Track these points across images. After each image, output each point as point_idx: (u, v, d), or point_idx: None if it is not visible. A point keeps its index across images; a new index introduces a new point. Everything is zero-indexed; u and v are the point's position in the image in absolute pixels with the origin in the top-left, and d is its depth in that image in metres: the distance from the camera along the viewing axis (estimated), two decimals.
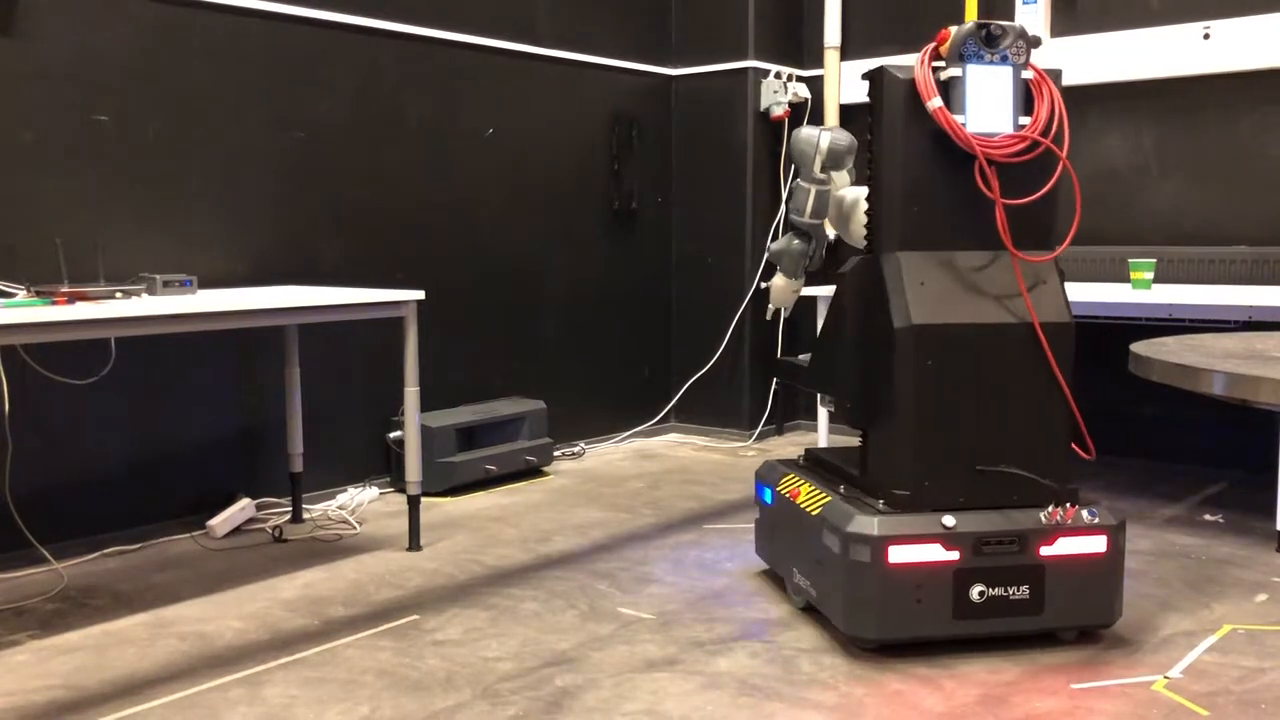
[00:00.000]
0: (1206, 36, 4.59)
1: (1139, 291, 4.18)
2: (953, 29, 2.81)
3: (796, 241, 3.34)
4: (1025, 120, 2.85)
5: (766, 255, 3.30)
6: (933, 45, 2.85)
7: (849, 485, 3.01)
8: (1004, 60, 2.85)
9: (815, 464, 3.31)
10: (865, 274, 2.93)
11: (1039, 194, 2.85)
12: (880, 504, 2.83)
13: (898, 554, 2.72)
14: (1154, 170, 4.83)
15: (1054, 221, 2.94)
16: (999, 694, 2.59)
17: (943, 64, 2.83)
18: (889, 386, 2.82)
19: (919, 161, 2.84)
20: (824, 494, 2.98)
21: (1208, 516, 4.12)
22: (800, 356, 3.40)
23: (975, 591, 2.77)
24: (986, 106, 2.83)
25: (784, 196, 5.67)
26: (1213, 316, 3.82)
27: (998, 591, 2.79)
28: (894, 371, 2.79)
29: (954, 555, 2.75)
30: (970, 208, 2.87)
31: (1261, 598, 3.24)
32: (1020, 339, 2.83)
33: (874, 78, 2.90)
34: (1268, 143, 4.56)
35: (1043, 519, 2.81)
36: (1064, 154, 2.85)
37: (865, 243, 2.99)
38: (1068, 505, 2.85)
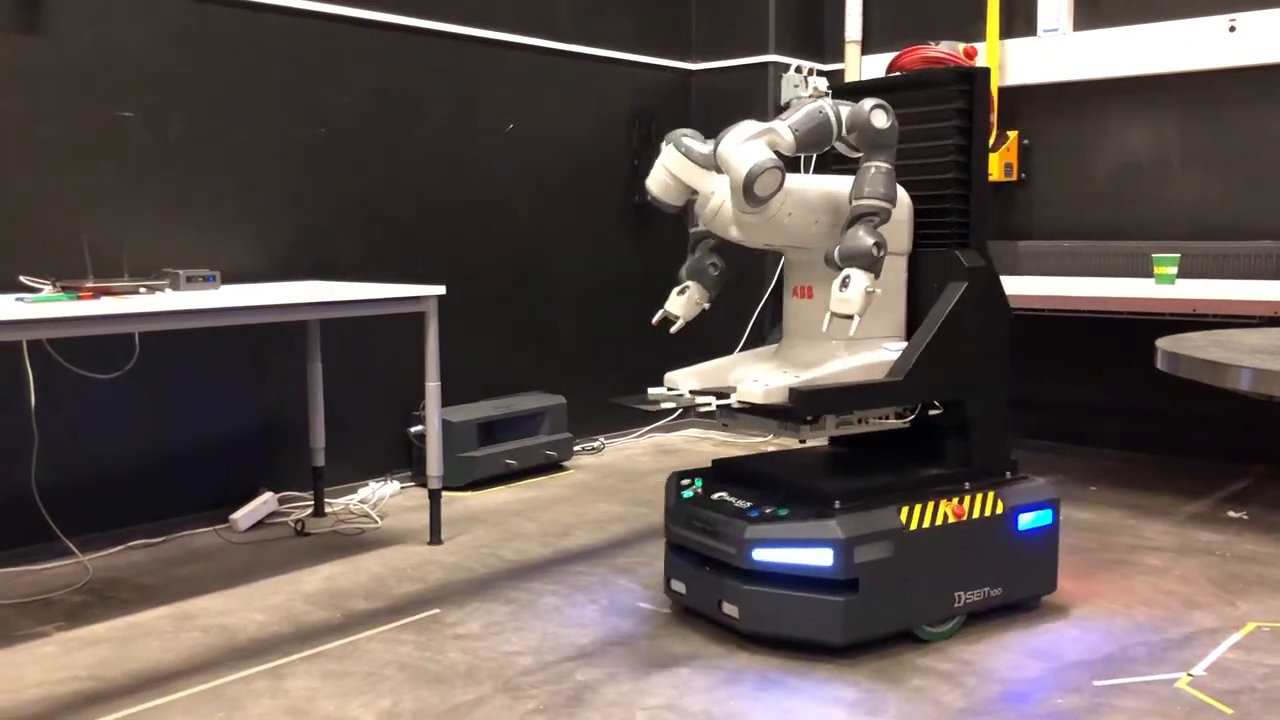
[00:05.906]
0: (1232, 29, 4.55)
1: (1163, 286, 4.15)
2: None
3: (878, 234, 2.74)
4: None
5: (873, 250, 2.69)
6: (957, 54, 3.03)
7: (951, 481, 2.93)
8: None
9: (855, 492, 2.92)
10: (981, 266, 2.97)
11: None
12: (1006, 475, 3.04)
13: None
14: (1178, 164, 4.80)
15: None
16: (1021, 690, 2.58)
17: None
18: (1001, 370, 3.01)
19: None
20: (970, 491, 2.91)
21: (1231, 513, 4.09)
22: (671, 387, 2.96)
23: None
24: None
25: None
26: (1238, 312, 3.79)
27: None
28: (1005, 354, 3.01)
29: None
30: None
31: None
32: None
33: (979, 76, 3.00)
34: None
35: None
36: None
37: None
38: None
